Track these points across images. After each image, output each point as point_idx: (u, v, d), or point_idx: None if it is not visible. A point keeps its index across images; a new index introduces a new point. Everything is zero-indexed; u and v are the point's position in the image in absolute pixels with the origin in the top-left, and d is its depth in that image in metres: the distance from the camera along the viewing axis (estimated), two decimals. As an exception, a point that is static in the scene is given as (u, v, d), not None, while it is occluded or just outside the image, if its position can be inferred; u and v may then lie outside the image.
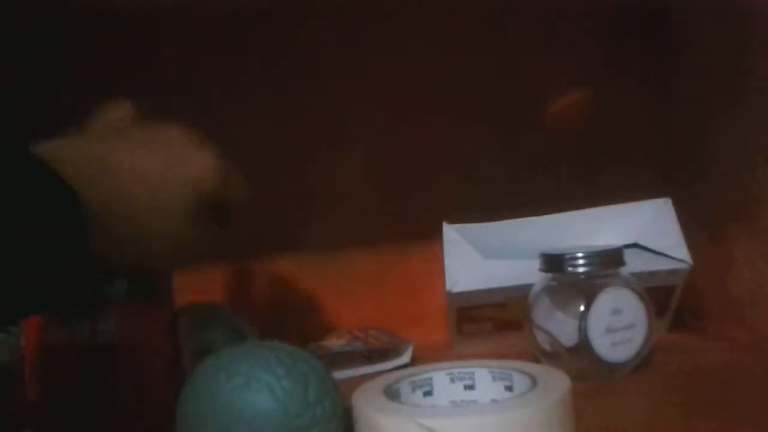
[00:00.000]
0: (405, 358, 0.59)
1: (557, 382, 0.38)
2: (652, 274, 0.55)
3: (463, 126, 0.69)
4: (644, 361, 0.50)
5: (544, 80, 0.69)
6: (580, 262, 0.48)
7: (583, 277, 0.48)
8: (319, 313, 0.68)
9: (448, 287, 0.57)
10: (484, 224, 0.60)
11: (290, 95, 0.68)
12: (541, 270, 0.50)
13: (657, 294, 0.58)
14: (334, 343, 0.61)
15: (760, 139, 0.52)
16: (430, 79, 0.69)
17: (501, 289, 0.56)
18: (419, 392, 0.42)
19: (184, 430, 0.36)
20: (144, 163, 0.37)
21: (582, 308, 0.47)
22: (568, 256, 0.48)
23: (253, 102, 0.68)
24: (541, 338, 0.50)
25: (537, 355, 0.51)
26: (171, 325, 0.46)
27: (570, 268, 0.48)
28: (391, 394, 0.39)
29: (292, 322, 0.67)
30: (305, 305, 0.67)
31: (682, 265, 0.56)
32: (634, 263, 0.54)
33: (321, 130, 0.69)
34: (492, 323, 0.60)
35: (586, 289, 0.48)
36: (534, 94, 0.70)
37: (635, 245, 0.57)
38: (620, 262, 0.49)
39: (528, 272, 0.53)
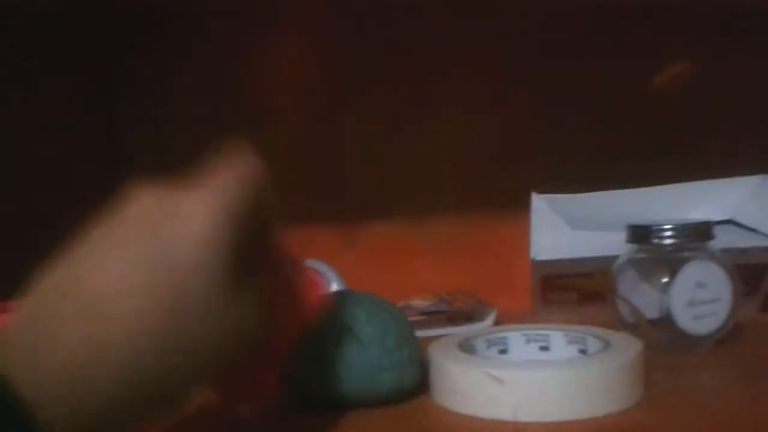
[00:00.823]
0: (488, 321, 0.61)
1: (629, 346, 0.39)
2: (744, 251, 0.54)
3: (555, 99, 0.69)
4: (729, 337, 0.50)
5: (637, 56, 0.68)
6: (667, 234, 0.48)
7: (669, 249, 0.48)
8: (409, 275, 0.70)
9: (532, 255, 0.58)
10: (574, 195, 0.60)
11: (385, 66, 0.71)
12: (627, 241, 0.50)
13: (750, 272, 0.57)
14: (421, 303, 0.63)
15: None
16: (523, 52, 0.70)
17: (587, 260, 0.57)
18: (494, 349, 0.44)
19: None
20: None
21: (665, 280, 0.47)
22: (654, 228, 0.48)
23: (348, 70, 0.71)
24: (624, 309, 0.50)
25: (618, 326, 0.51)
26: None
27: (656, 240, 0.48)
28: (466, 348, 0.41)
29: (384, 282, 0.70)
30: (397, 267, 0.70)
31: (776, 243, 0.54)
32: (727, 239, 0.53)
33: (415, 100, 0.71)
34: (577, 293, 0.61)
35: (672, 262, 0.47)
36: (628, 70, 0.69)
37: (730, 222, 0.56)
38: (708, 236, 0.48)
39: (616, 244, 0.54)
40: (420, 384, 0.40)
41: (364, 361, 0.37)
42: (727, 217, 0.56)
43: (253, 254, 0.28)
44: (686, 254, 0.47)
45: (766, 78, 0.65)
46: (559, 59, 0.69)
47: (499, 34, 0.70)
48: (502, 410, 0.35)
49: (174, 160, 0.40)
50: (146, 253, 0.25)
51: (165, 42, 0.72)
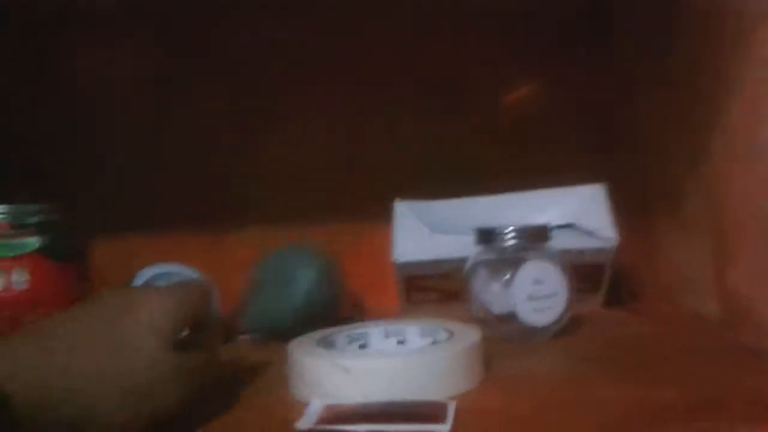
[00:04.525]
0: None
1: (470, 335, 0.43)
2: (581, 252, 0.60)
3: (419, 111, 0.75)
4: (571, 329, 0.55)
5: (491, 67, 0.75)
6: (509, 236, 0.53)
7: (511, 250, 0.53)
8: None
9: (394, 258, 0.62)
10: (434, 201, 0.65)
11: (244, 79, 0.75)
12: (475, 243, 0.55)
13: (590, 271, 0.64)
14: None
15: (682, 128, 0.57)
16: (379, 62, 0.75)
17: (444, 261, 0.61)
18: (355, 345, 0.47)
19: None
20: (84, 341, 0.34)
21: (507, 277, 0.52)
22: (498, 231, 0.53)
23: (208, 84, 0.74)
24: (475, 306, 0.55)
25: (472, 322, 0.56)
26: (79, 282, 0.52)
27: (499, 242, 0.53)
28: (326, 344, 0.44)
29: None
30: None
31: (609, 244, 0.61)
32: (567, 241, 0.59)
33: (278, 114, 0.75)
34: (438, 293, 0.65)
35: (513, 261, 0.52)
36: (480, 80, 0.75)
37: (571, 225, 0.62)
38: (545, 238, 0.53)
39: (471, 246, 0.59)
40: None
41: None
42: (568, 222, 0.62)
43: (190, 342, 0.39)
44: (526, 254, 0.53)
45: (603, 91, 0.73)
46: (413, 68, 0.74)
47: (353, 43, 0.75)
48: (352, 396, 0.38)
49: None
50: (104, 337, 0.35)
51: None
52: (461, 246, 0.60)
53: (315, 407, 0.38)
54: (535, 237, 0.53)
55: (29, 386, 0.30)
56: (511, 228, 0.53)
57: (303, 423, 0.36)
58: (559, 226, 0.61)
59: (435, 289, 0.65)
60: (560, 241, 0.56)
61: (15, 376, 0.30)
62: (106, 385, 0.33)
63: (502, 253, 0.54)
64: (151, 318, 0.36)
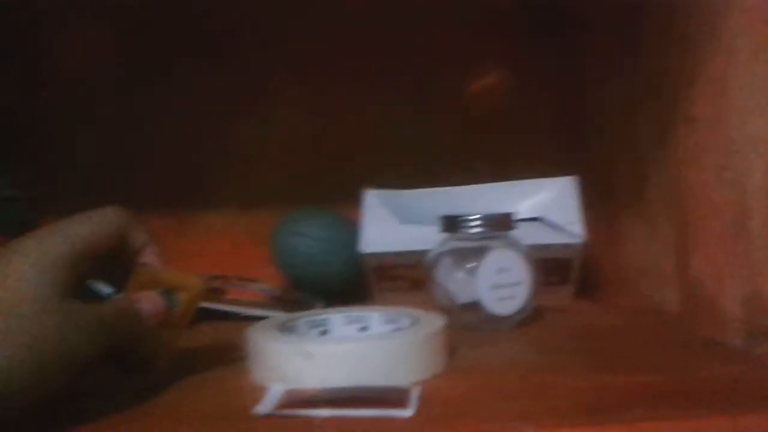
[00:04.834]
0: (320, 306, 0.63)
1: (434, 322, 0.43)
2: (547, 247, 0.60)
3: (384, 99, 0.75)
4: (534, 319, 0.56)
5: (460, 58, 0.75)
6: (474, 224, 0.53)
7: (476, 238, 0.53)
8: (244, 262, 0.72)
9: (362, 248, 0.61)
10: (404, 191, 0.64)
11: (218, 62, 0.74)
12: (440, 231, 0.55)
13: (558, 265, 0.64)
14: (259, 286, 0.65)
15: (647, 119, 0.57)
16: (352, 53, 0.75)
17: (412, 252, 0.61)
18: (315, 331, 0.47)
19: None
20: None
21: (472, 266, 0.52)
22: (463, 219, 0.53)
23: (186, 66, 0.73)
24: (439, 294, 0.54)
25: (436, 310, 0.55)
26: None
27: (464, 229, 0.53)
28: (286, 329, 0.44)
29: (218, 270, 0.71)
30: (230, 255, 0.72)
31: (576, 240, 0.61)
32: (533, 235, 0.58)
33: (248, 97, 0.74)
34: (408, 281, 0.65)
35: (478, 249, 0.52)
36: (450, 70, 0.76)
37: (537, 219, 0.62)
38: (510, 226, 0.53)
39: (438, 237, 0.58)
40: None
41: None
42: (535, 215, 0.62)
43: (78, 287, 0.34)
44: (490, 242, 0.52)
45: (573, 83, 0.73)
46: (387, 58, 0.74)
47: (326, 33, 0.74)
48: (313, 382, 0.38)
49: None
50: None
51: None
52: (429, 237, 0.60)
53: (275, 392, 0.37)
54: (500, 225, 0.53)
55: None
56: (476, 216, 0.52)
57: (262, 408, 0.35)
58: (526, 219, 0.61)
59: (406, 277, 0.64)
60: (526, 235, 0.56)
61: None
62: None
63: (467, 241, 0.53)
64: (37, 264, 0.32)
